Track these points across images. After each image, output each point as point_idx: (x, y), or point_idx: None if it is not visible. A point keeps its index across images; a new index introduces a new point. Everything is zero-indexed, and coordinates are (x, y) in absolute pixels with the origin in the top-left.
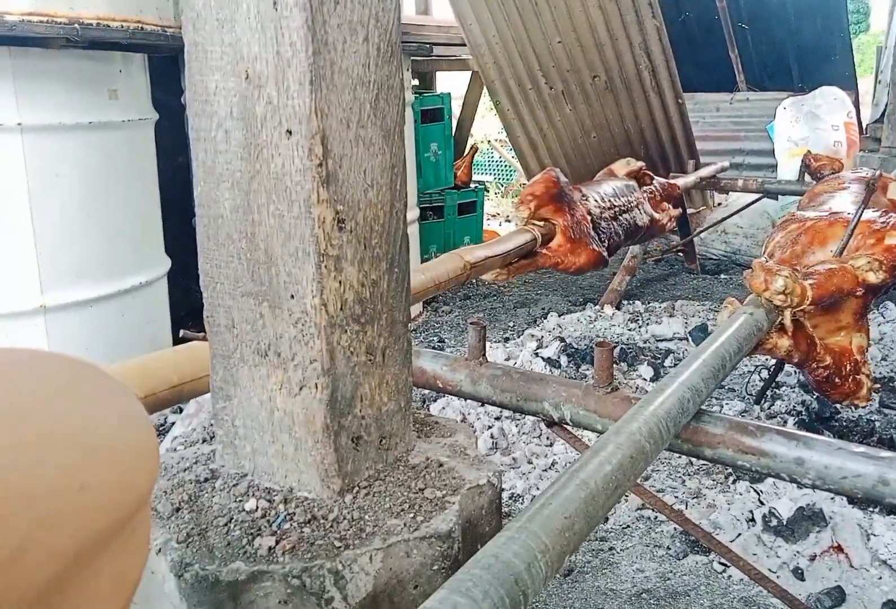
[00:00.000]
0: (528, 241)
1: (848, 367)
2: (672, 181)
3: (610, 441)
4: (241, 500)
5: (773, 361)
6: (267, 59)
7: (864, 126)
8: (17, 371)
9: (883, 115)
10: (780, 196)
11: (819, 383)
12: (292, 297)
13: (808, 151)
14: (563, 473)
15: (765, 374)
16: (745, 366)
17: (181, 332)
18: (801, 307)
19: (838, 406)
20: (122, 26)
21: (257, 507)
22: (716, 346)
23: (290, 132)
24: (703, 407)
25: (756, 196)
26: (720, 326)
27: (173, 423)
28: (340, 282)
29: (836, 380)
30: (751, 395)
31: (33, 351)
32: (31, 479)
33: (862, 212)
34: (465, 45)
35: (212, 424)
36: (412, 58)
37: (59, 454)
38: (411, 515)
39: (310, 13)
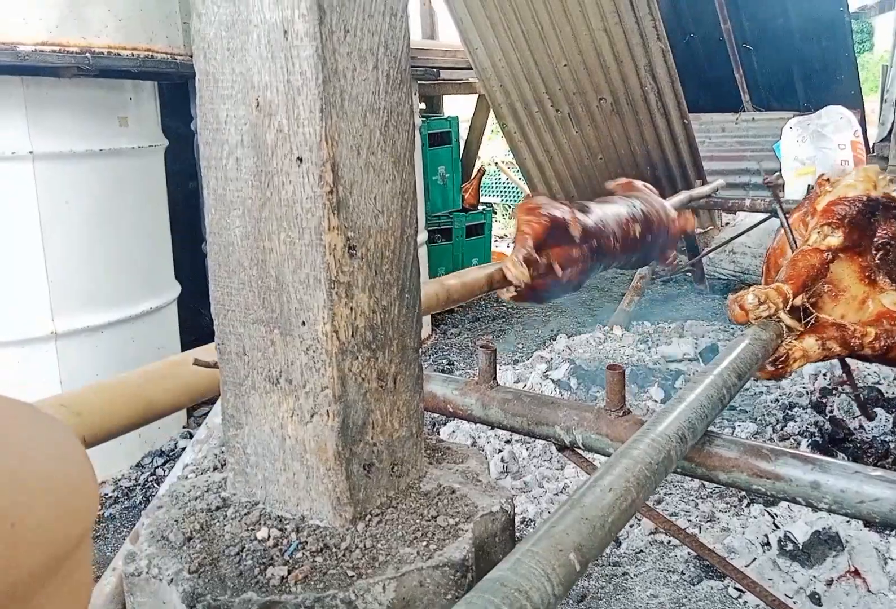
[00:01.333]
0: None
1: None
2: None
3: (616, 464)
4: (252, 529)
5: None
6: (277, 88)
7: (870, 145)
8: None
9: (890, 133)
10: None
11: (885, 356)
12: (303, 323)
13: (822, 174)
14: (569, 497)
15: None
16: (757, 387)
17: (193, 360)
18: (790, 303)
19: (852, 428)
20: (133, 55)
21: (269, 536)
22: (721, 367)
23: (300, 159)
24: (716, 430)
25: (764, 215)
26: (721, 352)
27: (184, 449)
28: (351, 308)
29: None
30: (768, 423)
31: None
32: None
33: (782, 209)
34: (471, 68)
35: (223, 452)
36: (419, 82)
37: None
38: (424, 543)
39: (320, 42)
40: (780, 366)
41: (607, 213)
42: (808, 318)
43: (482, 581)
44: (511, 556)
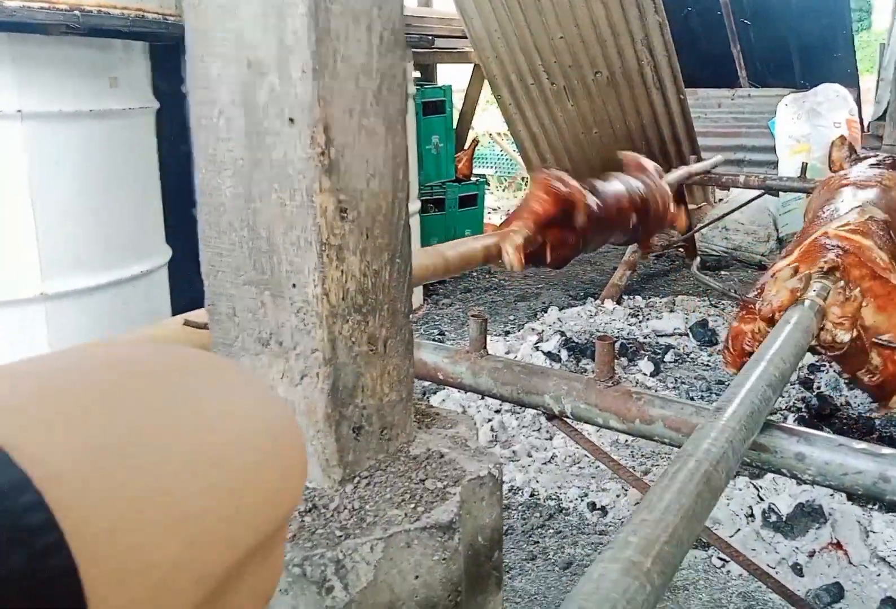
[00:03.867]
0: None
1: None
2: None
3: (689, 459)
4: None
5: None
6: (269, 47)
7: (866, 124)
8: (165, 376)
9: (885, 112)
10: (781, 193)
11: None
12: (294, 286)
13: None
14: (645, 497)
15: None
16: None
17: (184, 321)
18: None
19: (838, 403)
20: (123, 14)
21: None
22: (775, 348)
23: (292, 120)
24: (704, 404)
25: (757, 192)
26: (776, 329)
27: None
28: (342, 271)
29: None
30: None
31: (175, 350)
32: (185, 500)
33: None
34: (466, 37)
35: None
36: (413, 50)
37: (211, 473)
38: (412, 506)
39: (312, 0)
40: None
41: (612, 199)
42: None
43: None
44: (590, 573)
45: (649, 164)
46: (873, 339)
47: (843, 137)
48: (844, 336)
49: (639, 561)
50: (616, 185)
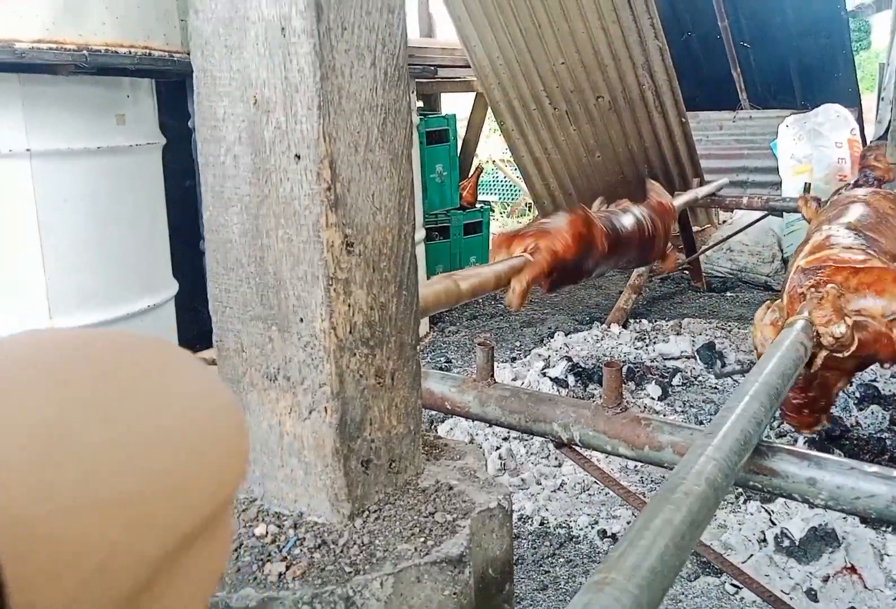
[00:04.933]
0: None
1: None
2: (663, 200)
3: (679, 482)
4: (250, 526)
5: None
6: (275, 85)
7: (868, 143)
8: (102, 358)
9: (887, 131)
10: (785, 213)
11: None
12: (301, 320)
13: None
14: (635, 521)
15: None
16: None
17: None
18: (837, 354)
19: (849, 424)
20: (130, 52)
21: (267, 533)
22: (767, 371)
23: (298, 157)
24: None
25: (761, 213)
26: (766, 352)
27: None
28: (349, 305)
29: None
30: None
31: (116, 333)
32: (122, 483)
33: None
34: (469, 66)
35: None
36: (417, 80)
37: (151, 454)
38: (422, 540)
39: (317, 39)
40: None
41: (624, 235)
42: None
43: None
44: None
45: (666, 202)
46: (889, 319)
47: (804, 198)
48: (839, 328)
49: (626, 587)
50: (629, 220)
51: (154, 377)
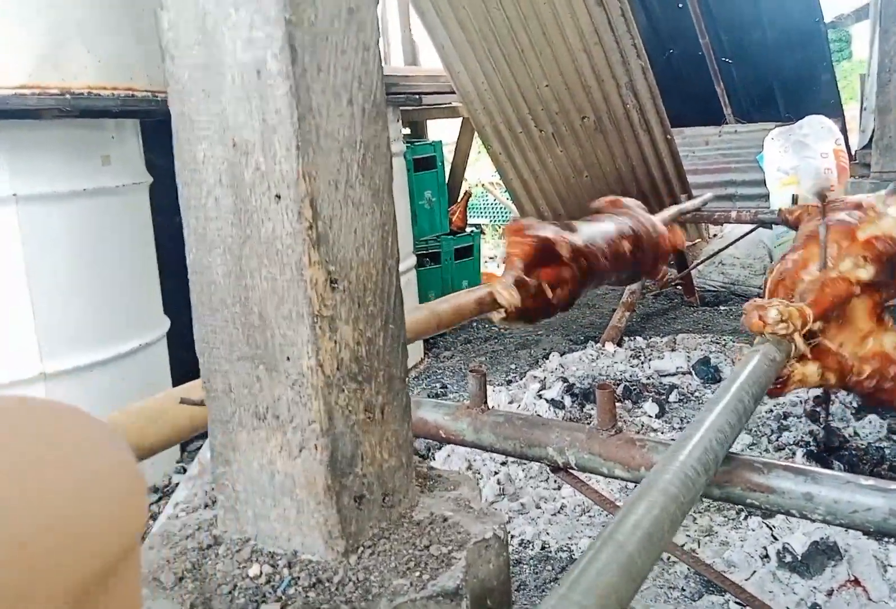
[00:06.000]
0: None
1: (893, 369)
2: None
3: (642, 497)
4: (244, 567)
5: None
6: (253, 127)
7: (853, 152)
8: (12, 423)
9: (870, 141)
10: (774, 225)
11: (872, 396)
12: (288, 358)
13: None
14: (598, 537)
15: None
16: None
17: (179, 400)
18: (808, 327)
19: (846, 435)
20: (113, 94)
21: (261, 573)
22: (735, 388)
23: (279, 196)
24: None
25: (751, 227)
26: (734, 370)
27: (177, 484)
28: (336, 341)
29: (887, 385)
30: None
31: (15, 398)
32: (25, 530)
33: (824, 222)
34: (454, 92)
35: (213, 489)
36: (402, 108)
37: (51, 503)
38: (417, 574)
39: (293, 81)
40: (778, 386)
41: (595, 231)
42: (813, 341)
43: None
44: (546, 602)
45: (625, 200)
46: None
47: (786, 211)
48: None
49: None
50: (598, 222)
51: (52, 435)
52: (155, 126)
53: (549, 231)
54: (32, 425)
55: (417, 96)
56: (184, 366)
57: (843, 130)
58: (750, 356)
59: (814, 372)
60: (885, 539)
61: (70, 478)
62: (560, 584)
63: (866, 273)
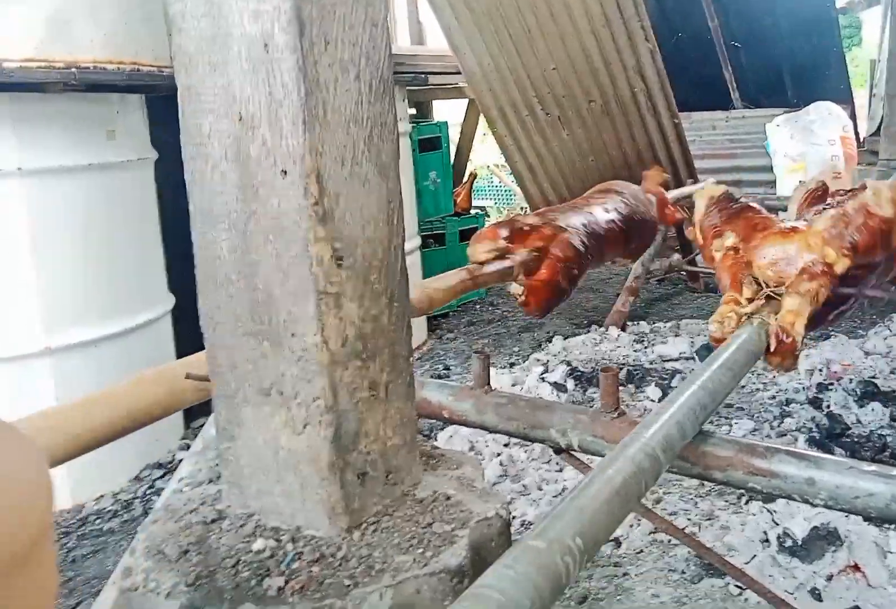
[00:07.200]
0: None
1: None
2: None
3: (608, 466)
4: (248, 541)
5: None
6: (259, 101)
7: (861, 139)
8: None
9: (879, 128)
10: (780, 212)
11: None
12: (293, 335)
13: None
14: (563, 498)
15: (781, 396)
16: (754, 384)
17: (186, 374)
18: (745, 301)
19: (849, 422)
20: (119, 69)
21: (265, 548)
22: (712, 368)
23: (285, 172)
24: (713, 428)
25: None
26: (718, 349)
27: (181, 460)
28: (341, 318)
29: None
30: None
31: None
32: None
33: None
34: (460, 73)
35: (217, 464)
36: (408, 87)
37: None
38: (420, 551)
39: (300, 54)
40: (783, 342)
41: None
42: (764, 292)
43: (484, 576)
44: (510, 552)
45: (612, 183)
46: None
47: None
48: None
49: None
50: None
51: None
52: (160, 102)
53: (512, 216)
54: None
55: (424, 76)
56: (188, 342)
57: (853, 117)
58: (727, 343)
59: (791, 301)
60: (886, 525)
61: None
62: (525, 537)
63: (731, 240)
